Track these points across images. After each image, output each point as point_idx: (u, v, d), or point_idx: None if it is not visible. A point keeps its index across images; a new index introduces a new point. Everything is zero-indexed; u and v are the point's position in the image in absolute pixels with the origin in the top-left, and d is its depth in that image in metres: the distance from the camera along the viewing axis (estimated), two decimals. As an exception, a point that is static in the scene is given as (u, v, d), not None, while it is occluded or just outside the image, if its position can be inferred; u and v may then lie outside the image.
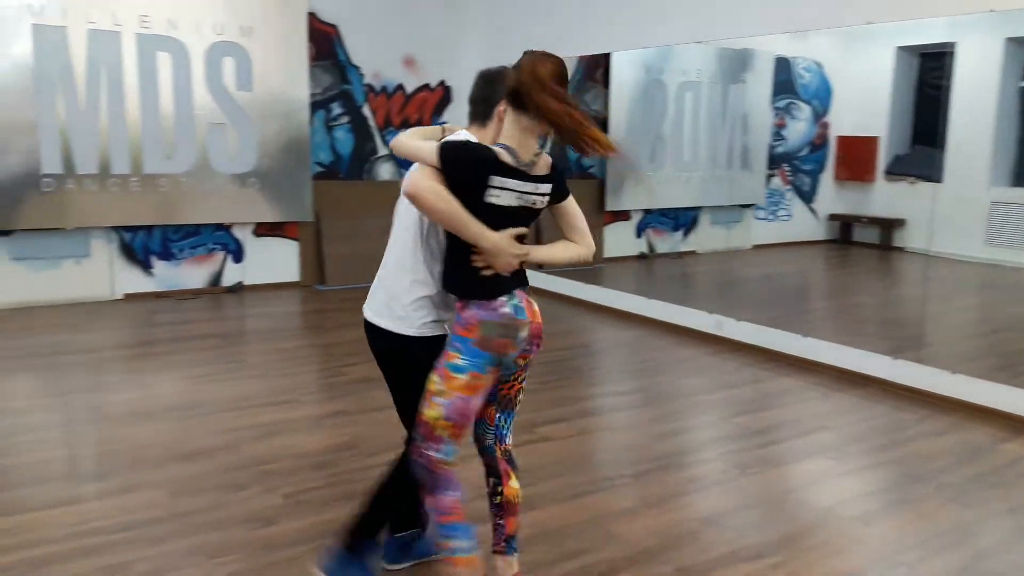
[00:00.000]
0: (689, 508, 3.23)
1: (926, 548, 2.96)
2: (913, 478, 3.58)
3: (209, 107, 6.88)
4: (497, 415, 2.43)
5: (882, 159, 9.12)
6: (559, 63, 2.22)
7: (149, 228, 6.92)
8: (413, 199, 2.13)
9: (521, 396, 2.46)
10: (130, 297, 6.87)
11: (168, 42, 6.65)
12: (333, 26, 7.53)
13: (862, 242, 9.40)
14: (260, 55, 7.04)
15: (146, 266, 6.96)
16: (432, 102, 8.17)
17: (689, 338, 6.04)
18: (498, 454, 2.45)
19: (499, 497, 2.43)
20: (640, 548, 2.89)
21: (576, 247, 2.37)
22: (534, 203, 2.25)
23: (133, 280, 6.90)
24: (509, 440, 2.47)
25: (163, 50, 6.63)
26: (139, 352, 5.38)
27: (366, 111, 7.82)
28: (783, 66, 8.80)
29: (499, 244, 2.16)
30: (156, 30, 6.57)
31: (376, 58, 7.78)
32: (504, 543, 2.44)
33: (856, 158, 9.29)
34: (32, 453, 3.62)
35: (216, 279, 7.29)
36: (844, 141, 9.32)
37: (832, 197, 9.54)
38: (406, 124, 8.03)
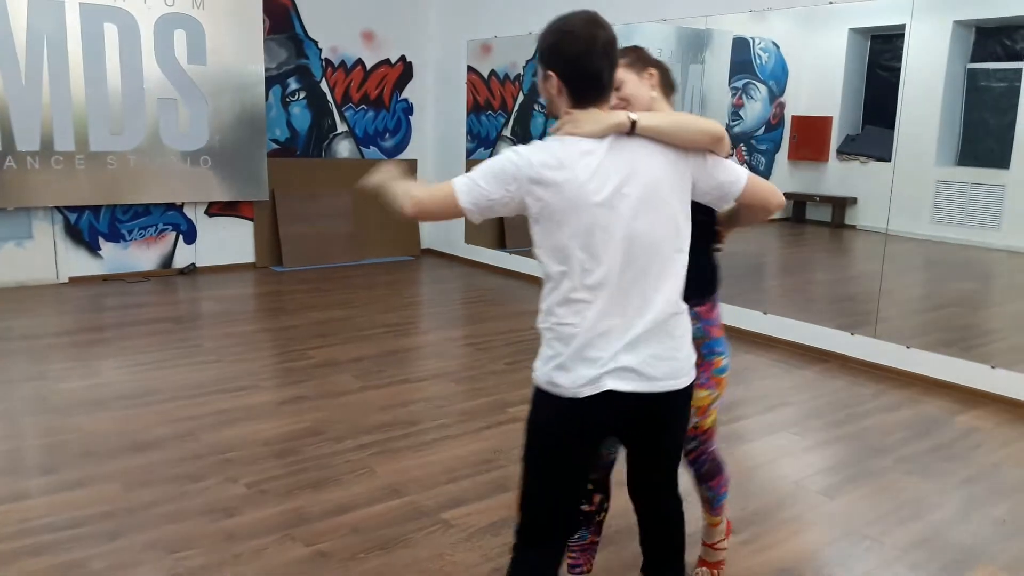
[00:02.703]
0: (658, 487, 3.23)
1: (888, 520, 3.01)
2: (873, 451, 3.64)
3: (159, 81, 6.63)
4: None
5: (835, 139, 9.23)
6: None
7: (96, 208, 6.67)
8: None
9: None
10: (76, 280, 6.63)
11: (115, 12, 6.38)
12: (288, -2, 7.33)
13: (815, 220, 9.53)
14: (213, 27, 6.81)
15: (93, 248, 6.72)
16: (392, 77, 8.01)
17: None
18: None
19: None
20: (610, 528, 2.87)
21: None
22: None
23: (79, 263, 6.66)
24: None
25: (109, 21, 6.36)
26: (87, 338, 5.19)
27: (324, 86, 7.64)
28: (741, 46, 8.82)
29: None
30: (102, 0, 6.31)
31: (334, 32, 7.59)
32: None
33: (810, 138, 9.39)
34: (-24, 444, 3.45)
35: (167, 261, 7.08)
36: (799, 121, 9.40)
37: (786, 176, 9.64)
38: (366, 100, 7.87)
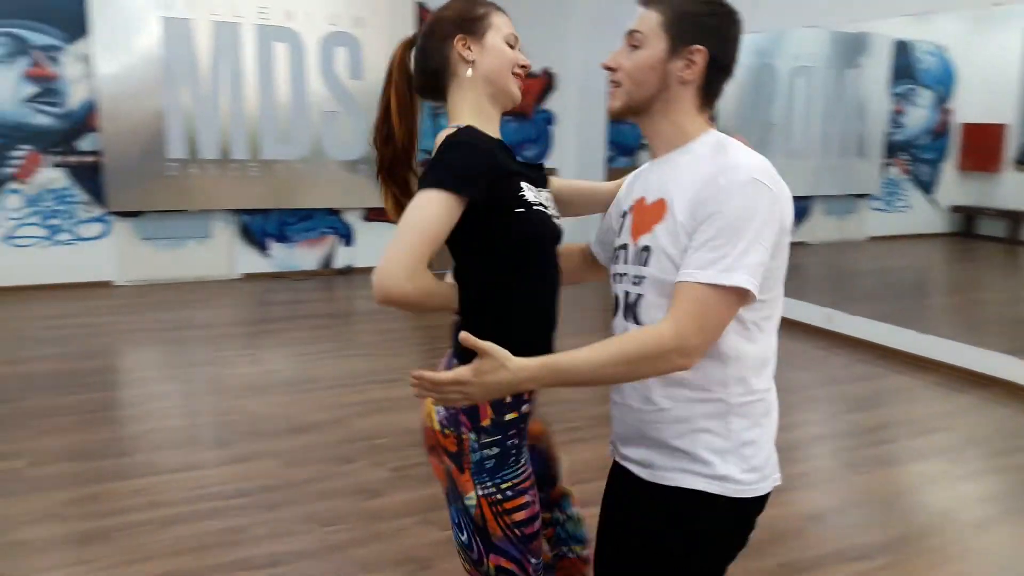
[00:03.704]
0: (796, 504, 3.16)
1: (1052, 560, 2.81)
2: (1039, 485, 3.39)
3: (322, 95, 7.12)
4: None
5: (1011, 147, 8.55)
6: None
7: (266, 211, 7.24)
8: None
9: None
10: (248, 277, 7.21)
11: (285, 32, 6.92)
12: (441, 15, 7.65)
13: (988, 235, 8.85)
14: (371, 45, 7.23)
15: (263, 247, 7.29)
16: (536, 90, 8.19)
17: (798, 331, 5.87)
18: None
19: None
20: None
21: None
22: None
23: (251, 260, 7.24)
24: None
25: (280, 40, 6.91)
26: (256, 329, 5.66)
27: (471, 99, 7.91)
28: (902, 50, 8.36)
29: None
30: (273, 21, 6.85)
31: (481, 46, 7.85)
32: None
33: (982, 146, 8.75)
34: (159, 420, 3.88)
35: (327, 261, 7.56)
36: (969, 128, 8.78)
37: (955, 188, 9.02)
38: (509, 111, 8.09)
